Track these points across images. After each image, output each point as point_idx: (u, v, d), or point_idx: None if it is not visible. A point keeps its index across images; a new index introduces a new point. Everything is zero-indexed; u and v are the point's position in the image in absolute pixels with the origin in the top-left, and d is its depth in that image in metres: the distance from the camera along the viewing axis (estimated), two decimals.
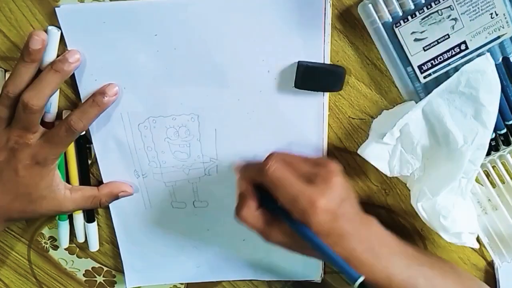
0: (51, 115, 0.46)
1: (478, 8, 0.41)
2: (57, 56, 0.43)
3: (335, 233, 0.40)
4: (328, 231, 0.40)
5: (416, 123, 0.44)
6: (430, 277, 0.44)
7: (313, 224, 0.39)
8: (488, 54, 0.42)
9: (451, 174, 0.45)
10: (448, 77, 0.43)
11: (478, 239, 0.49)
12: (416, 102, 0.45)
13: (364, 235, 0.42)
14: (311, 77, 0.44)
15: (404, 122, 0.44)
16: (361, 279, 0.39)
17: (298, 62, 0.44)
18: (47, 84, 0.42)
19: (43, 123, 0.45)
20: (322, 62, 0.44)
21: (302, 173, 0.41)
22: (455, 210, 0.45)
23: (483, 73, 0.42)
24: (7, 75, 0.45)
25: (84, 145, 0.49)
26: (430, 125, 0.45)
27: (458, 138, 0.43)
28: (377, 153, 0.45)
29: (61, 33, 0.43)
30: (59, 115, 0.47)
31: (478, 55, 0.43)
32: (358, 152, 0.46)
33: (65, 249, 0.56)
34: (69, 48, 0.43)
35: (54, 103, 0.46)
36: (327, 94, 0.46)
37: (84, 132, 0.48)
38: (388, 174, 0.46)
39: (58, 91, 0.46)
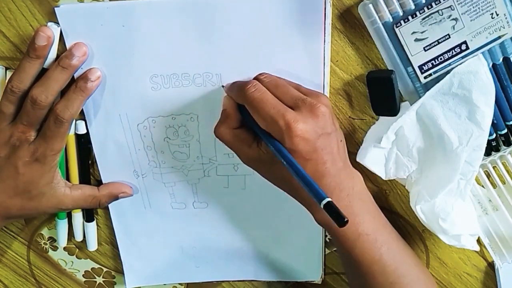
0: None
1: (479, 8, 0.41)
2: (57, 52, 0.43)
3: (313, 167, 0.38)
4: (305, 160, 0.38)
5: (411, 126, 0.44)
6: (393, 249, 0.45)
7: (288, 147, 0.37)
8: (480, 55, 0.42)
9: (448, 176, 0.44)
10: None
11: (478, 240, 0.49)
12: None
13: (345, 183, 0.41)
14: (386, 102, 0.44)
15: (399, 125, 0.44)
16: (327, 200, 0.35)
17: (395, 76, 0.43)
18: (55, 81, 0.42)
19: None
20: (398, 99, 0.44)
21: (288, 98, 0.40)
22: (454, 212, 0.45)
23: (476, 74, 0.42)
24: (8, 73, 0.45)
25: (85, 144, 0.49)
26: (424, 128, 0.45)
27: (453, 140, 0.43)
28: (373, 157, 0.45)
29: (61, 30, 0.43)
30: None
31: None
32: (357, 159, 0.45)
33: (65, 249, 0.56)
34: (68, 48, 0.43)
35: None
36: (327, 94, 0.46)
37: (85, 131, 0.48)
38: (384, 177, 0.46)
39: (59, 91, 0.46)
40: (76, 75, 0.44)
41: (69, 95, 0.44)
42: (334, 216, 0.34)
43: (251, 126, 0.42)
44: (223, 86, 0.45)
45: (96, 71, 0.44)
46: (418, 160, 0.46)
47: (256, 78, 0.43)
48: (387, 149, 0.45)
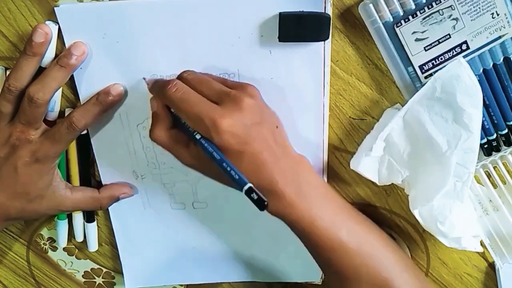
0: (54, 114, 0.46)
1: (479, 8, 0.41)
2: (56, 51, 0.43)
3: (250, 159, 0.39)
4: (239, 153, 0.38)
5: (399, 133, 0.45)
6: (355, 231, 0.44)
7: (217, 144, 0.38)
8: (461, 58, 0.42)
9: (441, 179, 0.44)
10: None
11: (480, 242, 0.49)
12: None
13: (288, 170, 0.41)
14: (296, 28, 0.42)
15: (386, 133, 0.44)
16: (248, 186, 0.35)
17: (280, 13, 0.41)
18: (52, 79, 0.42)
19: (45, 121, 0.45)
20: (302, 11, 0.42)
21: (213, 92, 0.40)
22: (452, 215, 0.45)
23: (458, 78, 0.42)
24: (8, 72, 0.45)
25: (85, 144, 0.49)
26: (413, 133, 0.45)
27: (441, 144, 0.43)
28: (366, 164, 0.45)
29: (59, 28, 0.43)
30: (61, 114, 0.47)
31: (480, 55, 0.43)
32: (351, 167, 0.45)
33: (64, 250, 0.56)
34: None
35: (57, 101, 0.46)
36: (327, 94, 0.46)
37: (86, 131, 0.47)
38: (378, 183, 0.46)
39: (60, 90, 0.45)
40: (90, 89, 0.45)
41: (88, 106, 0.44)
42: (256, 201, 0.34)
43: (180, 125, 0.41)
44: (144, 79, 0.44)
45: (119, 87, 0.45)
46: (411, 165, 0.46)
47: (179, 76, 0.42)
48: (378, 156, 0.45)
